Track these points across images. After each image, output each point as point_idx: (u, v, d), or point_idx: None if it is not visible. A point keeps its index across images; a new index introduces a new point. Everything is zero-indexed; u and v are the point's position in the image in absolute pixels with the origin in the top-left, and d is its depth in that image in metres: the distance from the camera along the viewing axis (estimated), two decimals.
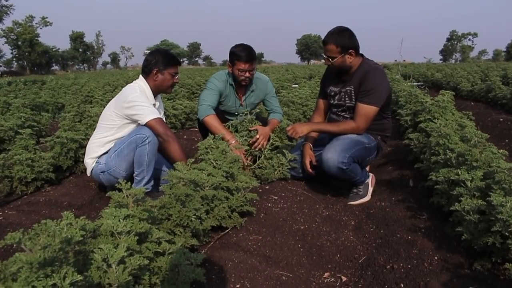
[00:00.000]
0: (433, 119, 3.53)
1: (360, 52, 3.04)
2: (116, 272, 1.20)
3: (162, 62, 2.93)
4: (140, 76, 3.00)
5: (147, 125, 2.80)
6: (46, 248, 1.04)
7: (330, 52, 2.95)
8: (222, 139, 3.12)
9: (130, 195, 1.64)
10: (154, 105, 2.99)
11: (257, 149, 3.34)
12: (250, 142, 3.34)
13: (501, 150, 2.48)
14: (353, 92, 3.02)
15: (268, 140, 3.43)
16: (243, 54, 3.35)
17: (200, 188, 2.12)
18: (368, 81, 2.91)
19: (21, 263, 0.99)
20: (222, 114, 3.72)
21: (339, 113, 3.18)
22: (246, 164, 3.24)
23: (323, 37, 3.03)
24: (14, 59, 67.85)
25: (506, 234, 1.73)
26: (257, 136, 3.36)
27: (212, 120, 3.36)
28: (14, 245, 1.15)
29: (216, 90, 3.48)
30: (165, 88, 3.01)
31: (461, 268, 1.91)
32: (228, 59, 3.51)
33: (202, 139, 3.51)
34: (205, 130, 3.59)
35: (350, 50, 2.92)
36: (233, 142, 3.23)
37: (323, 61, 3.13)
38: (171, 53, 3.09)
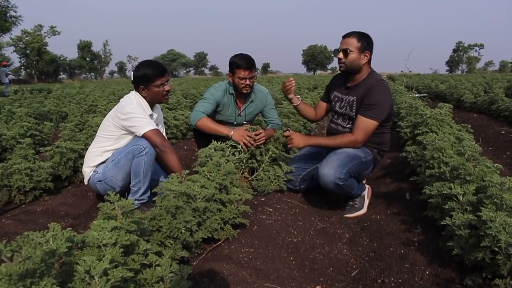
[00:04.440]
0: (430, 132, 3.53)
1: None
2: (98, 284, 1.21)
3: (146, 78, 2.92)
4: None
5: (143, 136, 2.82)
6: (27, 260, 1.05)
7: (348, 45, 2.95)
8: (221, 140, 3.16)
9: (119, 207, 1.65)
10: (152, 115, 3.02)
11: (257, 143, 3.34)
12: (255, 133, 3.34)
13: (496, 164, 2.47)
14: (355, 102, 3.02)
15: (265, 144, 3.44)
16: (242, 62, 3.40)
17: (192, 200, 2.13)
18: (372, 95, 2.92)
19: (1, 275, 1.01)
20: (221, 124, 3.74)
21: (339, 122, 3.19)
22: (253, 144, 3.26)
23: (329, 48, 3.07)
24: (22, 67, 68.73)
25: (496, 249, 1.72)
26: (261, 131, 3.37)
27: (204, 122, 3.38)
28: (3, 257, 1.17)
29: (211, 99, 3.50)
30: (158, 100, 3.04)
31: (452, 283, 1.90)
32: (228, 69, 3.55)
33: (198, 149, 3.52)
34: (199, 139, 3.62)
35: (366, 52, 2.96)
36: (231, 132, 3.27)
37: (329, 70, 3.16)
38: (155, 64, 3.03)
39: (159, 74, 2.96)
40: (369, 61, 3.02)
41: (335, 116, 3.26)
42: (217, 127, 3.37)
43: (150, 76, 2.93)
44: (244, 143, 3.23)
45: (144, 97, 2.99)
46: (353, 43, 2.94)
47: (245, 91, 3.50)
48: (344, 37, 3.00)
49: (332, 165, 2.80)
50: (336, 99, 3.22)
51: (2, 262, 1.15)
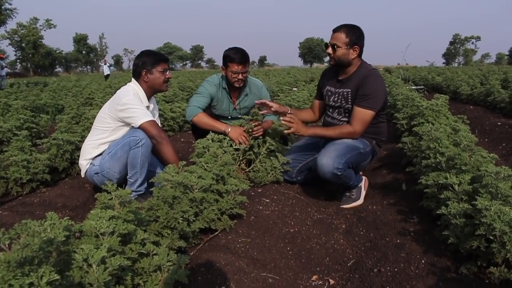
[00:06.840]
0: (427, 123, 3.54)
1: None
2: (96, 272, 1.22)
3: (148, 62, 2.97)
4: (133, 79, 3.03)
5: (140, 127, 2.82)
6: (25, 248, 1.06)
7: (336, 40, 2.95)
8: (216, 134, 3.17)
9: (116, 196, 1.66)
10: (148, 107, 3.01)
11: (255, 134, 3.34)
12: (252, 123, 3.35)
13: (491, 154, 2.48)
14: (349, 94, 3.03)
15: (263, 136, 3.44)
16: (236, 57, 3.39)
17: (190, 191, 2.14)
18: (366, 86, 2.92)
19: None
20: (216, 119, 3.74)
21: (335, 115, 3.20)
22: (247, 143, 3.28)
23: (326, 41, 3.06)
24: (18, 60, 68.34)
25: (491, 237, 1.74)
26: (259, 123, 3.38)
27: (201, 118, 3.42)
28: (1, 245, 1.17)
29: (206, 94, 3.51)
30: (158, 86, 3.04)
31: (448, 272, 1.92)
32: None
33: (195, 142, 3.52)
34: (197, 132, 3.62)
35: (356, 46, 2.95)
36: (229, 129, 3.32)
37: (326, 63, 3.16)
38: (157, 52, 3.14)
39: (163, 59, 3.04)
40: (359, 54, 3.01)
41: (330, 110, 3.26)
42: (214, 123, 3.39)
43: (155, 60, 2.98)
44: (239, 141, 3.27)
45: (146, 82, 3.00)
46: (342, 38, 2.93)
47: (237, 85, 3.51)
48: (334, 31, 2.99)
49: (331, 155, 2.81)
50: (329, 93, 3.22)
51: (0, 250, 1.15)
